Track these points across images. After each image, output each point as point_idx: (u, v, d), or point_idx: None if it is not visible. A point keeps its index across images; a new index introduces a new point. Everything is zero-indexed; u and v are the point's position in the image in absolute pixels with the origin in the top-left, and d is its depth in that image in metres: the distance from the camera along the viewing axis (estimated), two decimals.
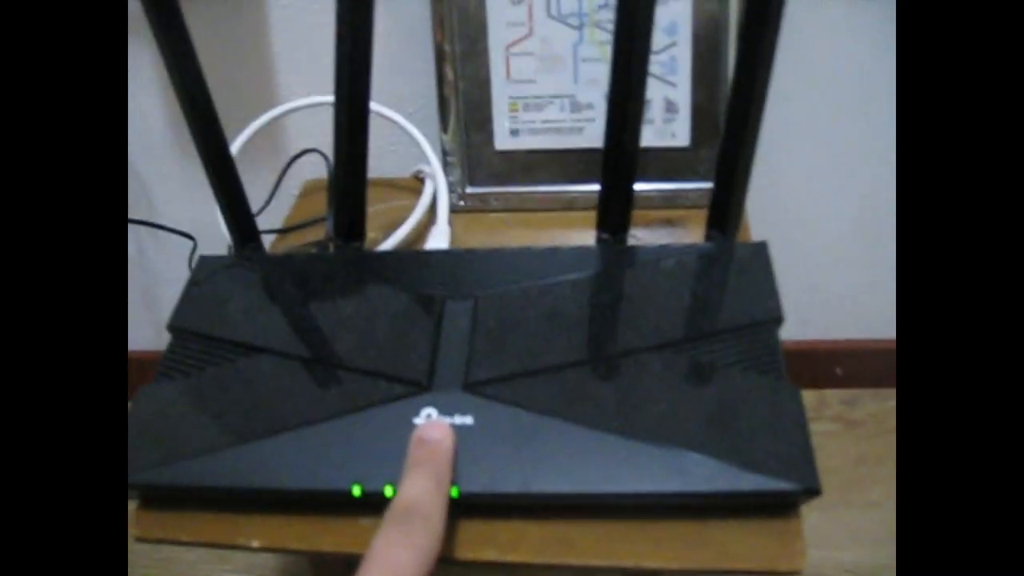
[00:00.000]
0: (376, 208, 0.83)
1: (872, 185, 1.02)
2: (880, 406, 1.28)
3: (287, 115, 0.82)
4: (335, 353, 0.56)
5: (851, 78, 0.93)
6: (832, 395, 1.30)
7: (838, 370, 1.28)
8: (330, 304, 0.60)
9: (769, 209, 1.02)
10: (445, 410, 0.51)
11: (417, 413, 0.51)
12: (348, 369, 0.55)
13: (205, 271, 0.64)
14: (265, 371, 0.55)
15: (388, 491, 0.47)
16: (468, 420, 0.50)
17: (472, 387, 0.52)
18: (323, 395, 0.53)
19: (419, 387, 0.52)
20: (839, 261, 1.12)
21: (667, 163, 0.80)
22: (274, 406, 0.53)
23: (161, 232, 0.99)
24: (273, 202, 0.88)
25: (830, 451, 1.22)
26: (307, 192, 0.91)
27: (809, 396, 1.33)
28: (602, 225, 0.63)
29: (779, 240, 0.94)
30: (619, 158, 0.60)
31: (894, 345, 1.22)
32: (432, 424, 0.49)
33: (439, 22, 0.78)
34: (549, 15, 0.77)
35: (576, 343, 0.54)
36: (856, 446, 1.23)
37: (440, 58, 0.79)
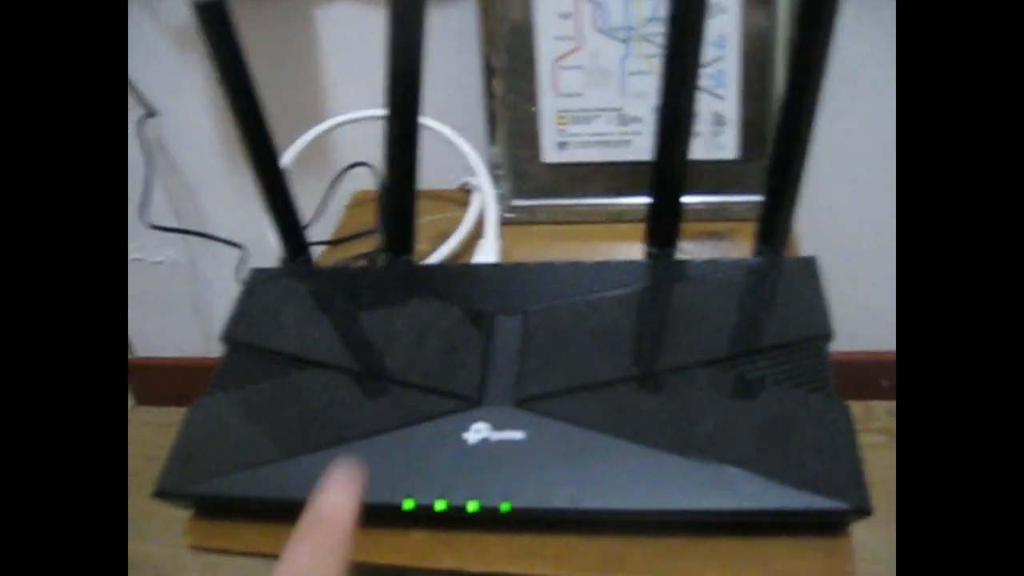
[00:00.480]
0: (424, 220, 0.84)
1: None
2: None
3: (337, 128, 0.83)
4: (386, 367, 0.56)
5: None
6: (879, 407, 1.29)
7: (884, 382, 1.27)
8: (381, 317, 0.61)
9: (816, 220, 1.01)
10: (496, 425, 0.51)
11: (468, 428, 0.51)
12: (399, 383, 0.55)
13: (257, 283, 0.65)
14: (317, 384, 0.56)
15: (439, 505, 0.48)
16: (519, 435, 0.51)
17: (523, 402, 0.52)
18: (375, 409, 0.54)
19: (470, 402, 0.53)
20: (885, 272, 1.11)
21: (715, 176, 0.80)
22: (326, 419, 0.54)
23: (211, 241, 1.01)
24: (323, 212, 0.89)
25: (877, 464, 1.20)
26: (356, 204, 0.92)
27: (855, 408, 1.30)
28: (651, 238, 0.63)
29: (825, 250, 0.93)
30: (668, 172, 0.60)
31: None
32: (331, 486, 0.40)
33: (488, 36, 0.78)
34: (597, 29, 0.77)
35: (626, 359, 0.55)
36: None
37: (488, 72, 0.79)
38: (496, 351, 0.56)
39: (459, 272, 0.66)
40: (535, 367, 0.55)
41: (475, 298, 0.61)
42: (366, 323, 0.61)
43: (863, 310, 1.14)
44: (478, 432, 0.51)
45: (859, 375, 1.26)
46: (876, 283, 1.11)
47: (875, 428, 1.27)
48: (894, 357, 1.23)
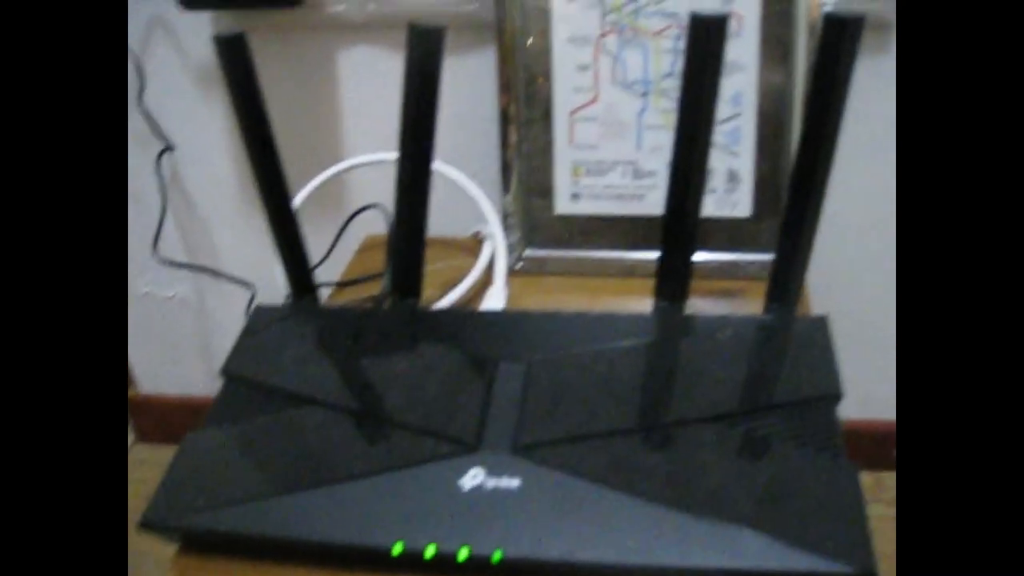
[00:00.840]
0: (434, 266, 0.83)
1: None
2: None
3: (352, 170, 0.83)
4: (384, 409, 0.56)
5: None
6: (889, 478, 1.26)
7: (895, 452, 1.24)
8: (382, 360, 0.60)
9: (834, 282, 1.00)
10: (492, 471, 0.50)
11: (464, 473, 0.50)
12: (397, 426, 0.54)
13: (261, 320, 0.65)
14: (314, 423, 0.55)
15: (428, 551, 0.47)
16: (515, 482, 0.50)
17: (521, 449, 0.51)
18: (370, 450, 0.53)
19: (467, 447, 0.52)
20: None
21: (728, 233, 0.79)
22: (321, 458, 0.53)
23: (221, 278, 1.00)
24: (334, 254, 0.89)
25: (888, 536, 1.18)
26: (367, 246, 0.92)
27: (865, 478, 1.28)
28: (660, 293, 0.62)
29: (842, 314, 0.91)
30: (680, 227, 0.59)
31: None
32: None
33: (505, 86, 0.79)
34: (615, 82, 0.77)
35: (629, 411, 0.54)
36: None
37: (504, 121, 0.79)
38: (497, 397, 0.56)
39: (464, 318, 0.65)
40: (535, 415, 0.54)
41: (479, 344, 0.60)
42: (367, 364, 0.60)
43: (876, 376, 1.13)
44: (474, 478, 0.50)
45: (870, 444, 1.23)
46: (890, 348, 1.10)
47: (885, 499, 1.24)
48: None
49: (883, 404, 1.17)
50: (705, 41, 0.53)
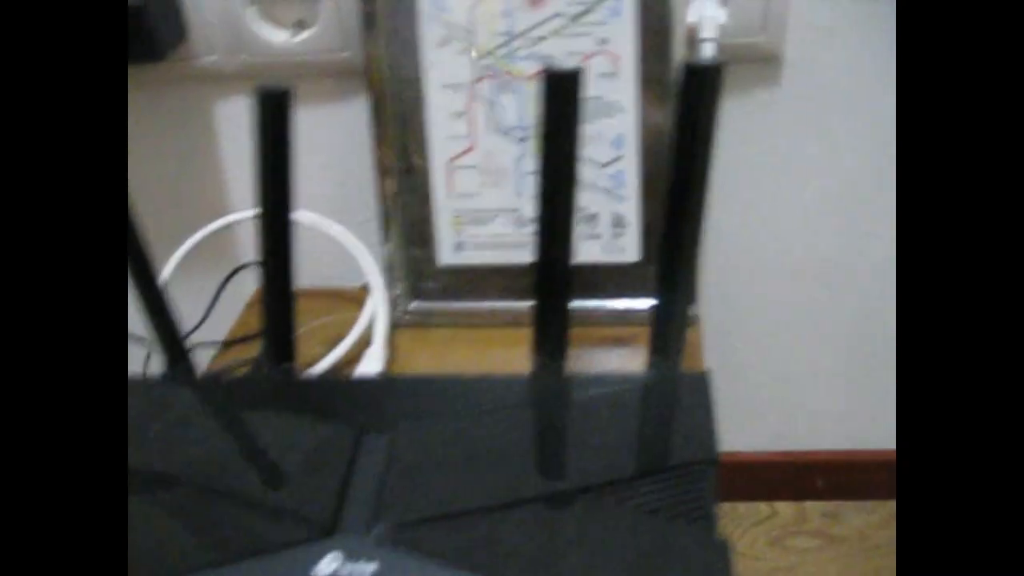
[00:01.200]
0: (320, 321, 0.81)
1: (859, 298, 0.99)
2: (864, 520, 1.23)
3: (237, 225, 0.80)
4: (241, 489, 0.53)
5: (842, 189, 0.91)
6: (813, 508, 1.25)
7: (819, 482, 1.24)
8: (245, 434, 0.57)
9: (752, 319, 0.99)
10: (349, 556, 0.47)
11: (320, 558, 0.47)
12: (254, 508, 0.51)
13: (130, 393, 0.61)
14: (171, 506, 0.52)
15: None
16: (372, 568, 0.47)
17: (379, 532, 0.49)
18: (222, 536, 0.50)
19: (323, 530, 0.49)
20: (821, 371, 1.08)
21: (617, 279, 0.77)
22: (170, 546, 0.50)
23: None
24: (225, 309, 0.85)
25: (810, 568, 1.17)
26: (255, 304, 0.88)
27: (789, 509, 1.28)
28: (538, 348, 0.60)
29: (761, 349, 0.90)
30: (551, 277, 0.57)
31: (877, 456, 1.18)
32: None
33: (379, 135, 0.76)
34: (492, 128, 0.75)
35: (496, 485, 0.51)
36: (837, 563, 1.18)
37: (381, 172, 0.77)
38: (360, 473, 0.53)
39: (335, 385, 0.62)
40: (397, 493, 0.51)
41: (348, 413, 0.57)
42: (230, 440, 0.57)
43: (798, 408, 1.12)
44: (329, 565, 0.47)
45: (794, 475, 1.23)
46: (813, 381, 1.09)
47: (808, 531, 1.23)
48: (830, 456, 1.20)
49: (804, 436, 1.17)
50: (561, 97, 0.51)
